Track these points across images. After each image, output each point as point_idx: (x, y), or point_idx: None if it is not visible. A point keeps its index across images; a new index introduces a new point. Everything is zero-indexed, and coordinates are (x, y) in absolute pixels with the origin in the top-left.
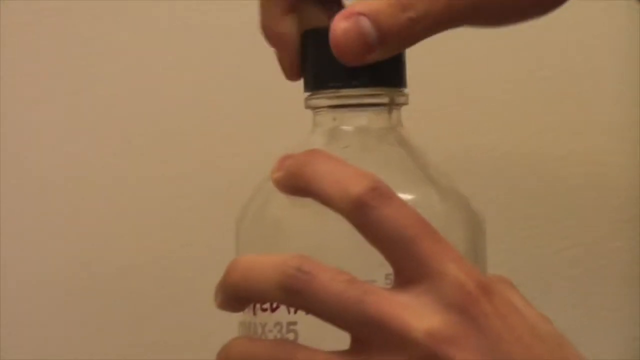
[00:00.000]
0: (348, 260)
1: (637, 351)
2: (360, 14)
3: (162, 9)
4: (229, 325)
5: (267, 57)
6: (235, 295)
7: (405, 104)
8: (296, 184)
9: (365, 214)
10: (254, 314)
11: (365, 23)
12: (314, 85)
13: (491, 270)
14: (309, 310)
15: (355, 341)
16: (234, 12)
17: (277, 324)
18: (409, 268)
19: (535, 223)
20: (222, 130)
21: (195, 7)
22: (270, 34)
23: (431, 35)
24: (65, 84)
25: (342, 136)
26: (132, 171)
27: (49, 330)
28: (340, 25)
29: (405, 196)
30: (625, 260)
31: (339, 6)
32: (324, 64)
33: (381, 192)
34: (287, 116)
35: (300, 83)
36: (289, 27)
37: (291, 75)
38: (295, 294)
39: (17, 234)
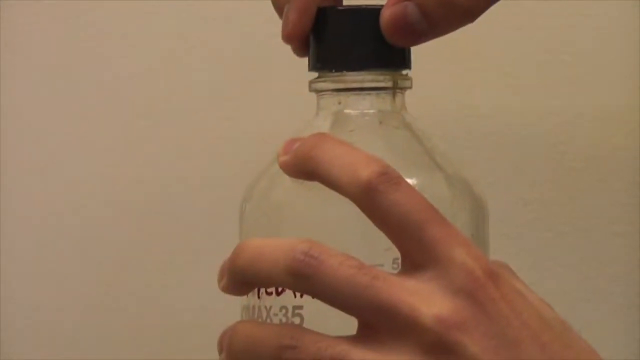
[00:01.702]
0: (354, 245)
1: (637, 336)
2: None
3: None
4: (231, 314)
5: (269, 41)
6: (242, 279)
7: (409, 87)
8: (303, 167)
9: (373, 199)
10: (259, 297)
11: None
12: (319, 67)
13: (491, 255)
14: (317, 296)
15: (363, 326)
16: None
17: (283, 307)
18: (417, 253)
19: (534, 208)
20: (225, 114)
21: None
22: None
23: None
24: (65, 83)
25: (346, 120)
26: (131, 164)
27: (49, 330)
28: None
29: (411, 181)
30: (625, 246)
31: None
32: (331, 45)
33: (390, 177)
34: (290, 99)
35: (302, 67)
36: None
37: (291, 36)
38: (304, 279)
39: (18, 231)
